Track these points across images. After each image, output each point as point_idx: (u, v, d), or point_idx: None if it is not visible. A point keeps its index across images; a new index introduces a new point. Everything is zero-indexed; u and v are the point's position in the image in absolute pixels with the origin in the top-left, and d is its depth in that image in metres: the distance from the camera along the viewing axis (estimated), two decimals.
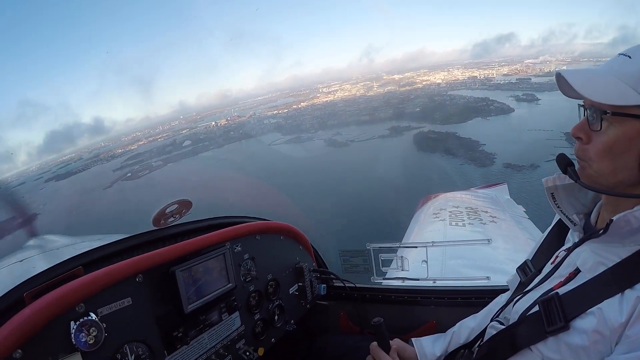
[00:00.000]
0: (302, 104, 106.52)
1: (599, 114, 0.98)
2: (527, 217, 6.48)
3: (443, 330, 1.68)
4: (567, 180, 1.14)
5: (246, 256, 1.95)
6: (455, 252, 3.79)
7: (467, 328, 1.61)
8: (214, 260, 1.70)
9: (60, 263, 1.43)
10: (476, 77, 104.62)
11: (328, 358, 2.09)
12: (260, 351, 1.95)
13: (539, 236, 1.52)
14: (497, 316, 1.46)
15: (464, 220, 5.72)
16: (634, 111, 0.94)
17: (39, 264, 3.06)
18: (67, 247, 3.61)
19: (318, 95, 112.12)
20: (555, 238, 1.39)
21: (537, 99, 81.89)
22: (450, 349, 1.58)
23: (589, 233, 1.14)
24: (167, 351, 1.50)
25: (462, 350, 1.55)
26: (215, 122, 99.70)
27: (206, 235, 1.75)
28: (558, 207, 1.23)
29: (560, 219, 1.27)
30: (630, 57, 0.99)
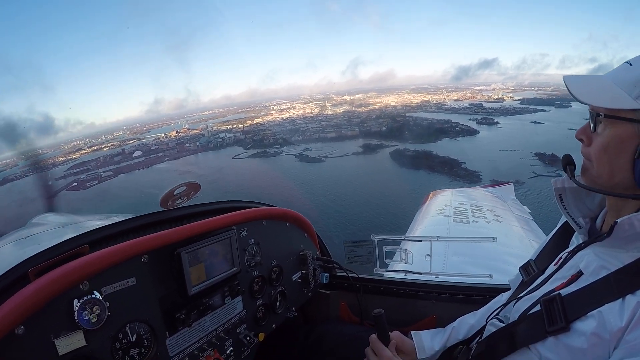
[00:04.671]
0: (256, 120, 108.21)
1: (596, 117, 1.04)
2: (532, 218, 6.46)
3: (443, 325, 1.70)
4: None
5: (251, 241, 1.96)
6: (459, 248, 3.79)
7: (466, 324, 1.62)
8: (220, 243, 1.70)
9: (65, 241, 1.43)
10: (429, 100, 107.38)
11: (326, 346, 2.11)
12: (261, 336, 1.96)
13: (543, 237, 1.53)
14: (497, 314, 1.47)
15: (468, 218, 5.71)
16: (627, 115, 0.98)
17: (44, 241, 3.09)
18: (71, 225, 3.61)
19: (271, 112, 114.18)
20: (560, 240, 1.40)
21: (497, 123, 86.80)
22: (449, 344, 1.60)
23: (594, 236, 1.15)
24: (168, 332, 1.52)
25: (461, 346, 1.56)
26: (165, 134, 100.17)
27: (213, 218, 1.75)
28: (565, 208, 1.24)
29: (566, 221, 1.29)
30: (631, 65, 1.03)
